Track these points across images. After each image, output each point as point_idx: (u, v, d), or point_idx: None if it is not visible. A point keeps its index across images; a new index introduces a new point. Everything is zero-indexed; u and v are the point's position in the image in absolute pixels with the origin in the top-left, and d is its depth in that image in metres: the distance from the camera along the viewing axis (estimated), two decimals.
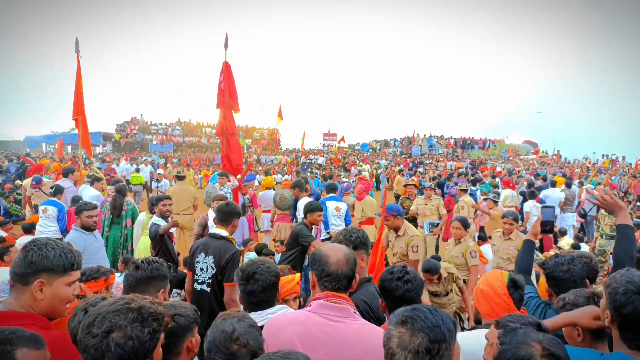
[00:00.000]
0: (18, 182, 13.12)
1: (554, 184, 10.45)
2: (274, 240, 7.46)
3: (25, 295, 1.60)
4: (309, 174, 17.87)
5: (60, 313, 1.69)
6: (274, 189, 8.73)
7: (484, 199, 8.36)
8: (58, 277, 1.63)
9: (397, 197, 12.92)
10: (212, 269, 3.38)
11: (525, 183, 12.68)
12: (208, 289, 3.41)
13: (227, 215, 3.58)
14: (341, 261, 1.80)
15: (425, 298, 4.42)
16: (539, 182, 13.55)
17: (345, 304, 1.77)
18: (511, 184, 11.53)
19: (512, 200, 10.02)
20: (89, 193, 7.25)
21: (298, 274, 2.89)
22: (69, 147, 27.81)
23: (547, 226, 2.74)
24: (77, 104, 8.25)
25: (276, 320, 1.86)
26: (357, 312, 1.84)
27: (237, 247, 3.59)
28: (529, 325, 1.62)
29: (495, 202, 7.96)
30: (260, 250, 6.25)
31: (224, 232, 3.53)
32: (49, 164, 12.75)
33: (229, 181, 7.24)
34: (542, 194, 10.24)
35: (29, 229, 6.54)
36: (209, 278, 3.40)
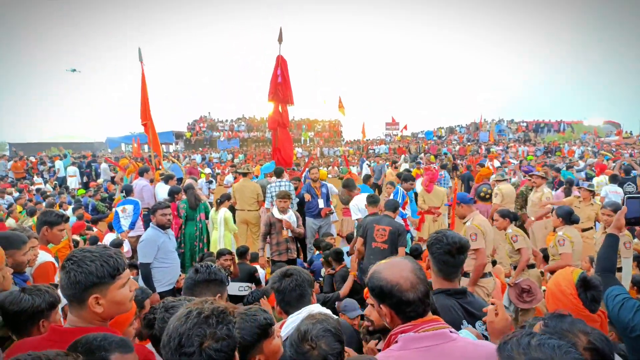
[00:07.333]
0: (100, 180, 14.26)
1: None
2: (338, 235, 7.50)
3: (84, 311, 1.59)
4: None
5: (126, 310, 1.71)
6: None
7: (579, 188, 7.42)
8: (109, 286, 1.59)
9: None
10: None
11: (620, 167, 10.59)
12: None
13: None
14: (414, 281, 1.50)
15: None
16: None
17: (440, 326, 1.50)
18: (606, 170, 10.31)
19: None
20: (164, 191, 7.56)
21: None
22: (146, 147, 29.50)
23: (633, 218, 2.36)
24: (144, 109, 8.78)
25: None
26: (455, 332, 1.55)
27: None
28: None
29: (591, 192, 6.86)
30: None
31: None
32: (127, 164, 13.69)
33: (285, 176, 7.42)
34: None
35: (112, 226, 7.21)
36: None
